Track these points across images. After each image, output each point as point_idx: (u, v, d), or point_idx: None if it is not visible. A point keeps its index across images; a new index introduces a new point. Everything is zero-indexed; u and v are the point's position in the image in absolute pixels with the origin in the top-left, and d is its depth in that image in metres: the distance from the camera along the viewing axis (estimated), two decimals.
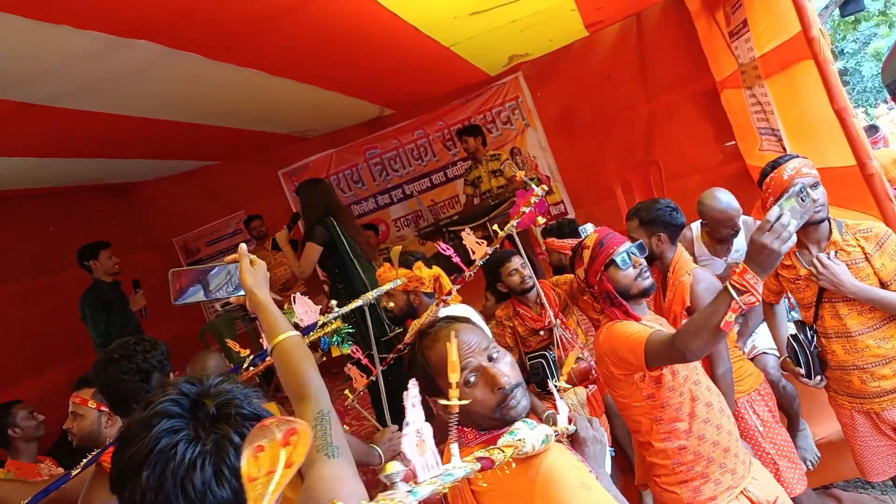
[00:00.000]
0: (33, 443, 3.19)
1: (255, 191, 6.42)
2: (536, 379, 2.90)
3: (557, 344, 2.77)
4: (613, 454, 1.96)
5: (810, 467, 2.89)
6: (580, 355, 2.80)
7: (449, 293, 2.35)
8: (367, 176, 6.46)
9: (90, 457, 1.83)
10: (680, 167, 5.53)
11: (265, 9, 2.69)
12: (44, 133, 3.45)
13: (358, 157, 6.42)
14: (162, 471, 0.82)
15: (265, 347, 2.21)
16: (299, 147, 6.31)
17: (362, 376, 2.53)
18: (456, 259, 2.39)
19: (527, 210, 2.28)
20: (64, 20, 2.21)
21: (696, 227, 3.24)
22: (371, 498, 0.81)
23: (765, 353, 2.91)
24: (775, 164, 2.24)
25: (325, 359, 2.65)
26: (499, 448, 1.07)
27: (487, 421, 1.30)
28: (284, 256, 4.44)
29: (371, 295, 2.13)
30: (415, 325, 2.53)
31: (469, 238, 2.34)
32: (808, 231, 2.26)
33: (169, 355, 2.00)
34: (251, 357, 1.99)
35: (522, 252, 2.62)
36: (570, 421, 1.43)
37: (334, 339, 2.33)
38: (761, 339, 3.01)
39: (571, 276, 3.05)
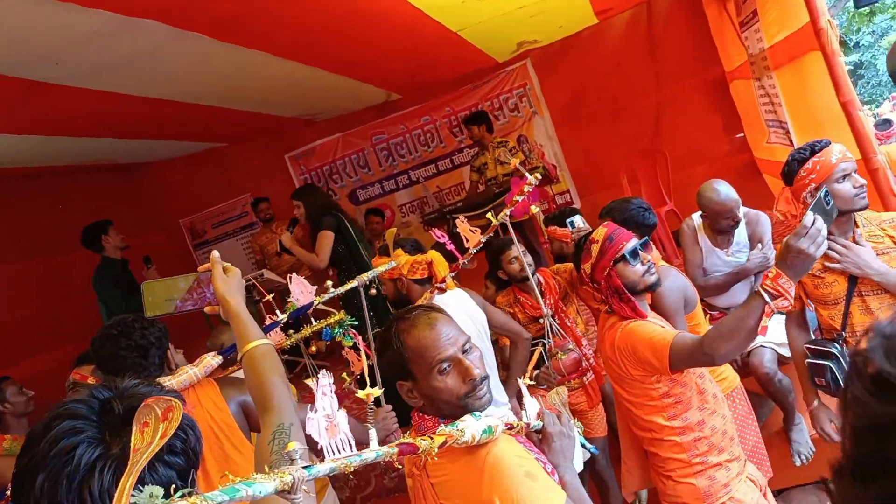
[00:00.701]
0: (24, 418, 3.23)
1: (262, 173, 6.44)
2: (538, 365, 2.92)
3: (548, 334, 2.78)
4: (597, 452, 1.99)
5: (805, 461, 2.90)
6: (570, 346, 2.81)
7: (443, 280, 2.35)
8: (373, 161, 6.47)
9: None
10: (687, 157, 5.51)
11: None
12: (52, 112, 3.47)
13: (365, 141, 6.43)
14: (57, 475, 0.75)
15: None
16: (306, 130, 6.32)
17: (359, 360, 2.55)
18: (450, 247, 2.39)
19: (520, 199, 2.26)
20: None
21: (697, 217, 3.24)
22: None
23: (761, 346, 2.91)
24: (813, 150, 2.12)
25: (328, 343, 2.69)
26: (429, 436, 1.11)
27: (452, 408, 1.37)
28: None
29: (366, 276, 2.14)
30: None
31: (463, 226, 2.35)
32: (840, 221, 2.13)
33: (167, 333, 2.04)
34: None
35: (515, 240, 2.61)
36: (539, 416, 1.49)
37: (336, 330, 2.34)
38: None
39: (569, 265, 3.06)
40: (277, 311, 2.08)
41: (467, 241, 2.34)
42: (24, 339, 4.64)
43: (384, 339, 1.46)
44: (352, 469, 0.90)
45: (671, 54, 5.66)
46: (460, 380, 1.36)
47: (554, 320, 2.86)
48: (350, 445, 0.92)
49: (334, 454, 0.90)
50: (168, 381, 1.93)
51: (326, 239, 4.23)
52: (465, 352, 1.39)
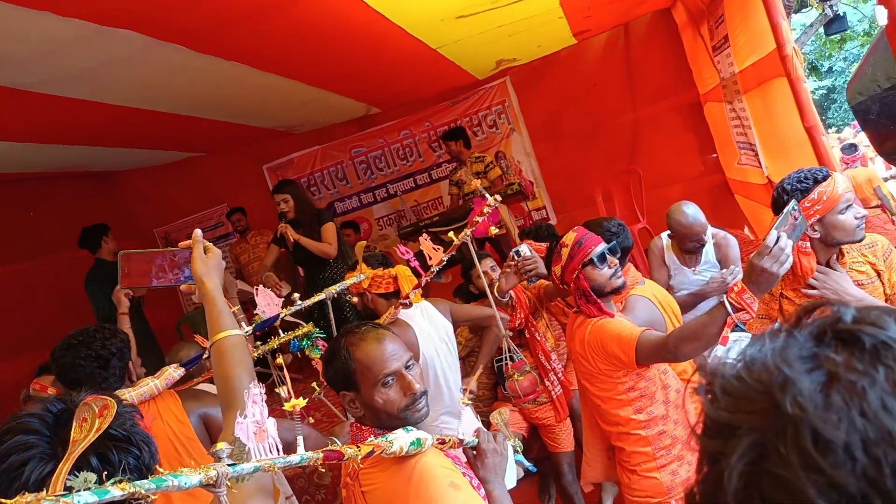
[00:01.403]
0: None
1: (239, 184, 6.42)
2: (501, 382, 2.95)
3: (506, 355, 2.81)
4: (535, 471, 2.12)
5: None
6: (526, 367, 2.84)
7: (406, 297, 2.36)
8: (351, 174, 6.48)
9: None
10: (662, 177, 5.60)
11: (252, 4, 2.72)
12: (25, 118, 3.44)
13: (343, 154, 6.44)
14: (6, 491, 0.74)
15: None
16: (284, 142, 6.32)
17: None
18: (414, 263, 2.41)
19: (480, 220, 2.29)
20: (46, 7, 2.22)
21: (665, 237, 3.30)
22: None
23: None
24: (814, 179, 1.95)
25: (297, 355, 2.69)
26: (356, 445, 1.18)
27: (391, 420, 1.46)
28: (263, 251, 4.50)
29: (334, 289, 2.15)
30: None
31: (426, 244, 2.37)
32: (829, 250, 2.02)
33: (128, 344, 2.02)
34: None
35: (476, 260, 2.63)
36: (475, 434, 1.59)
37: (304, 342, 2.34)
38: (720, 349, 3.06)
39: (541, 281, 3.09)
40: (243, 323, 2.08)
41: (430, 258, 2.35)
42: None
43: (333, 351, 1.52)
44: (276, 469, 0.94)
45: (647, 76, 5.77)
46: (402, 393, 1.46)
47: (524, 336, 2.88)
48: (277, 449, 0.95)
49: (261, 457, 0.93)
50: (128, 393, 1.91)
51: (333, 230, 4.38)
52: (407, 368, 1.49)
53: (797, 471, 0.37)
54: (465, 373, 2.89)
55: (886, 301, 2.05)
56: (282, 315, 1.99)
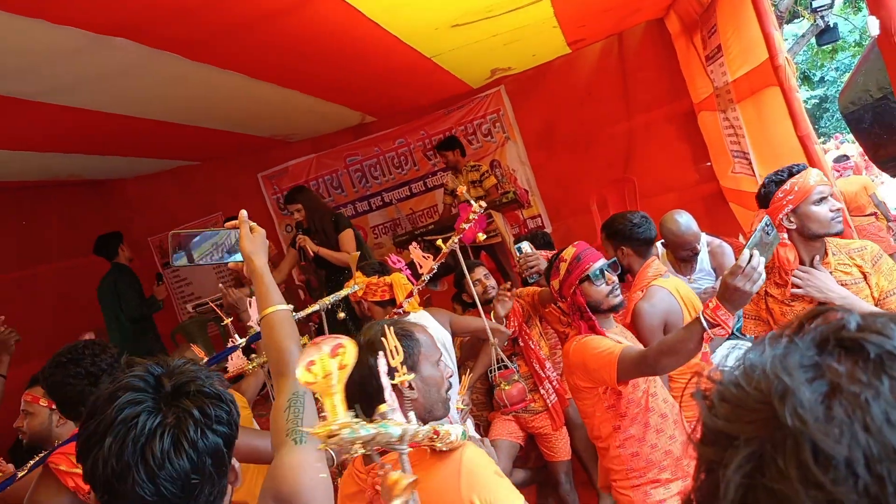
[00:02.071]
0: None
1: (234, 193, 6.40)
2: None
3: (493, 364, 2.81)
4: None
5: None
6: (514, 377, 2.84)
7: (400, 306, 2.36)
8: (346, 182, 6.48)
9: (37, 458, 1.82)
10: (656, 185, 5.62)
11: (247, 13, 2.72)
12: (20, 127, 3.44)
13: (338, 163, 6.45)
14: (123, 438, 0.86)
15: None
16: (280, 151, 6.31)
17: None
18: (406, 272, 2.41)
19: (466, 227, 2.29)
20: (40, 15, 2.22)
21: (659, 245, 3.31)
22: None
23: None
24: (791, 172, 2.08)
25: None
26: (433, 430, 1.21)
27: (424, 414, 1.47)
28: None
29: (328, 300, 2.14)
30: None
31: (415, 252, 2.37)
32: (812, 245, 2.08)
33: (119, 359, 2.01)
34: (211, 358, 2.00)
35: (465, 269, 2.63)
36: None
37: None
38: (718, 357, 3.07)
39: (534, 288, 3.09)
40: (236, 335, 2.08)
41: (420, 266, 2.36)
42: None
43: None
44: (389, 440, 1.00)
45: (641, 85, 5.80)
46: (437, 389, 1.50)
47: (517, 344, 2.88)
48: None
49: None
50: None
51: (351, 236, 4.39)
52: (438, 363, 1.54)
53: (796, 486, 0.36)
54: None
55: (875, 305, 2.05)
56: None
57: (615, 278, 2.15)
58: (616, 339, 2.09)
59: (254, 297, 2.09)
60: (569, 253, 2.17)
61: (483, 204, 2.34)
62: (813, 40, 8.84)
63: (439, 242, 2.35)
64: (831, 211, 2.01)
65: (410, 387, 1.47)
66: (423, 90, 5.43)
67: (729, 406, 0.42)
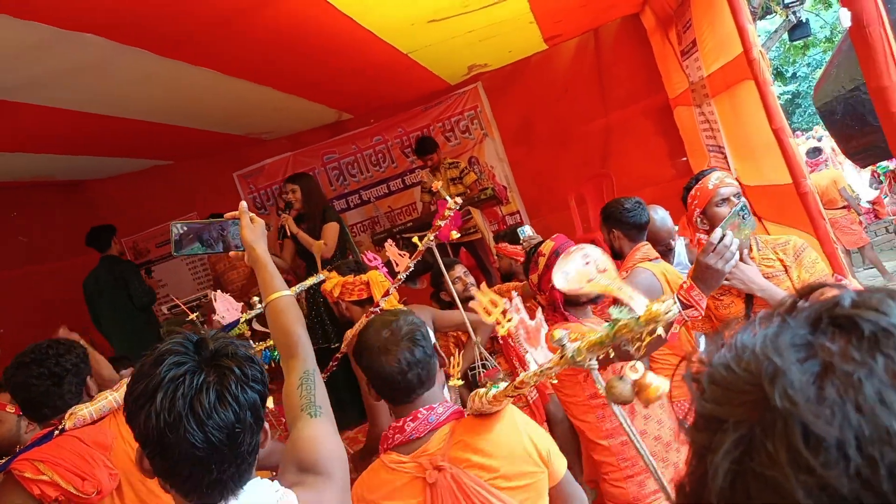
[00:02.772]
0: None
1: (209, 192, 6.31)
2: (475, 388, 2.94)
3: (478, 364, 2.81)
4: None
5: None
6: (500, 376, 2.84)
7: (377, 304, 2.34)
8: (324, 180, 6.42)
9: (4, 461, 1.77)
10: (634, 181, 5.64)
11: (219, 8, 2.68)
12: None
13: (315, 161, 6.39)
14: (174, 393, 0.95)
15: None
16: (255, 149, 6.24)
17: None
18: (382, 270, 2.39)
19: (442, 224, 2.27)
20: (4, 10, 2.16)
21: None
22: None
23: None
24: (699, 177, 2.28)
25: (273, 365, 2.64)
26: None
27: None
28: (239, 260, 4.57)
29: (294, 290, 2.11)
30: (348, 334, 2.51)
31: (391, 249, 2.35)
32: None
33: (86, 359, 1.96)
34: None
35: (443, 268, 2.61)
36: None
37: (276, 353, 2.30)
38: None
39: (514, 284, 3.09)
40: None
41: (396, 264, 2.33)
42: None
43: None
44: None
45: (618, 80, 5.83)
46: None
47: (496, 342, 2.87)
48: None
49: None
50: (85, 409, 1.83)
51: (334, 229, 4.37)
52: None
53: (785, 470, 0.34)
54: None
55: None
56: (242, 319, 1.95)
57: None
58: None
59: (218, 293, 2.06)
60: (547, 247, 2.18)
61: (458, 201, 2.32)
62: (785, 36, 8.97)
63: (415, 239, 2.33)
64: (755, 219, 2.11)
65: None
66: (400, 87, 5.40)
67: (719, 389, 0.40)
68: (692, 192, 2.26)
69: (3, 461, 1.75)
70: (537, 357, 1.26)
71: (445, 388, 1.68)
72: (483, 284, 2.85)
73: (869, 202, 8.06)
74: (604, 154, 5.97)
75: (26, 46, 2.51)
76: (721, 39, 3.38)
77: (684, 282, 1.71)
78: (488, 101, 6.13)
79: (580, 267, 1.23)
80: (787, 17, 8.22)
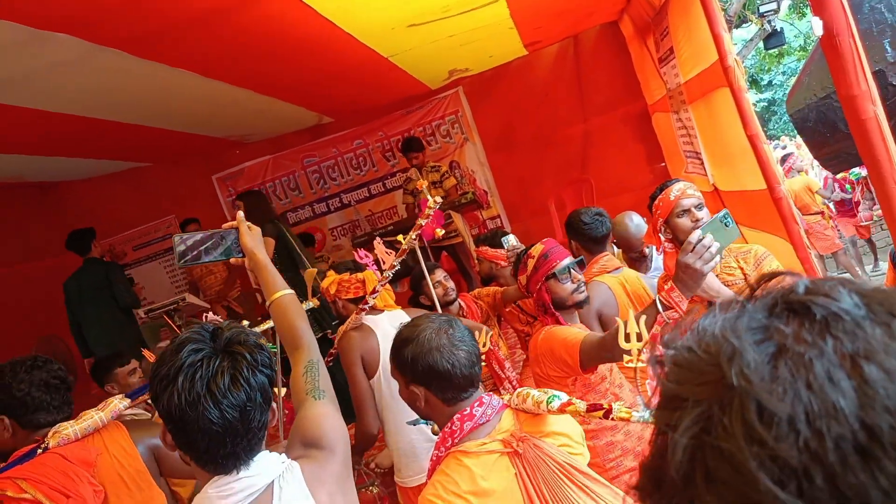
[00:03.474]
0: None
1: (188, 195, 6.26)
2: None
3: None
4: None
5: None
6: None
7: (366, 302, 2.35)
8: (304, 184, 6.40)
9: None
10: (613, 186, 5.70)
11: (196, 9, 2.66)
12: None
13: (295, 164, 6.36)
14: (193, 376, 1.09)
15: None
16: (235, 152, 6.20)
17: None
18: (372, 267, 2.40)
19: (424, 222, 2.29)
20: None
21: (614, 245, 3.36)
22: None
23: None
24: (662, 188, 2.31)
25: None
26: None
27: None
28: (216, 264, 4.67)
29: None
30: (340, 331, 2.52)
31: (379, 247, 2.36)
32: None
33: (75, 372, 1.94)
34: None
35: (423, 265, 2.62)
36: None
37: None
38: None
39: (494, 288, 3.09)
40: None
41: (383, 262, 2.34)
42: None
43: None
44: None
45: (597, 87, 5.88)
46: None
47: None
48: None
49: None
50: (71, 428, 1.80)
51: (268, 245, 4.47)
52: None
53: (740, 443, 0.36)
54: None
55: None
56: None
57: (581, 276, 2.20)
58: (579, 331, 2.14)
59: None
60: (537, 250, 2.22)
61: (439, 199, 2.33)
62: (761, 44, 9.11)
63: (399, 237, 2.34)
64: (692, 221, 2.15)
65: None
66: (381, 90, 5.40)
67: (680, 370, 0.42)
68: (655, 201, 2.29)
69: None
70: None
71: None
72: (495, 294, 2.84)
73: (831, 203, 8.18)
74: (583, 159, 6.01)
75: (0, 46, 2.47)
76: (697, 47, 3.43)
77: (665, 283, 1.72)
78: (469, 106, 6.15)
79: None
80: (763, 25, 8.36)
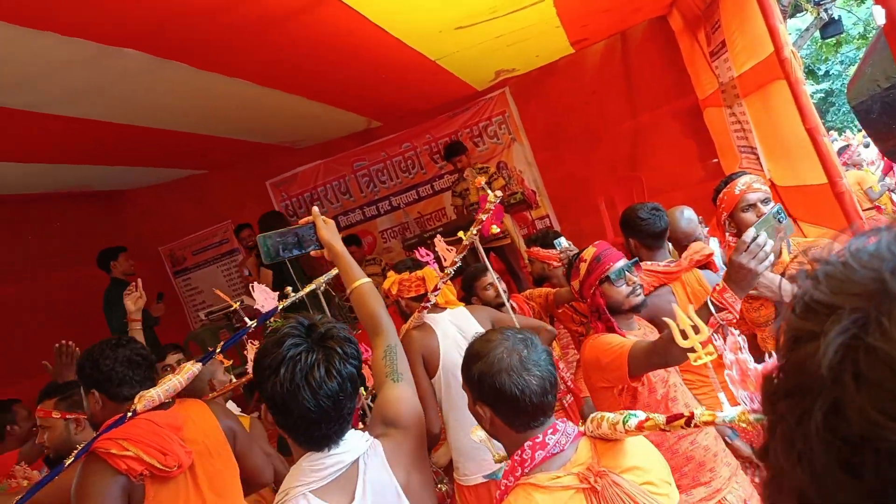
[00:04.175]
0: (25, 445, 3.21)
1: (243, 200, 6.43)
2: None
3: None
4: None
5: None
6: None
7: (427, 300, 2.37)
8: (354, 187, 6.50)
9: (81, 447, 1.89)
10: (663, 183, 5.59)
11: (251, 20, 2.74)
12: (31, 139, 3.47)
13: (346, 168, 6.47)
14: (293, 368, 1.21)
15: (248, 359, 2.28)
16: (287, 158, 6.34)
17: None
18: (433, 265, 2.42)
19: (484, 217, 2.29)
20: (50, 27, 2.25)
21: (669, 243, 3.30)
22: None
23: None
24: (727, 181, 2.25)
25: None
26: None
27: None
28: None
29: (322, 279, 2.17)
30: (402, 329, 2.52)
31: (440, 244, 2.38)
32: None
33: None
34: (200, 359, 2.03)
35: (489, 266, 2.62)
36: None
37: None
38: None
39: (546, 289, 3.08)
40: (246, 319, 2.13)
41: (444, 259, 2.36)
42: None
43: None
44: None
45: (646, 83, 5.79)
46: None
47: None
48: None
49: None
50: (154, 391, 1.92)
51: (264, 276, 4.82)
52: None
53: None
54: None
55: None
56: (279, 308, 2.01)
57: (636, 279, 2.11)
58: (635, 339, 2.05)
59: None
60: (589, 253, 2.15)
61: (499, 194, 2.32)
62: (817, 34, 8.82)
63: (460, 234, 2.35)
64: (757, 217, 2.07)
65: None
66: (428, 93, 5.45)
67: (835, 280, 0.43)
68: (720, 195, 2.25)
69: (86, 443, 1.87)
70: (742, 399, 1.19)
71: None
72: None
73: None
74: (633, 156, 5.93)
75: (69, 61, 2.61)
76: (751, 39, 3.35)
77: (717, 284, 1.66)
78: (516, 106, 6.14)
79: None
80: (819, 14, 8.09)
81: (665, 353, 1.76)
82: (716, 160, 5.62)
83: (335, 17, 2.92)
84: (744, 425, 1.19)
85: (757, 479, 2.19)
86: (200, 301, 6.61)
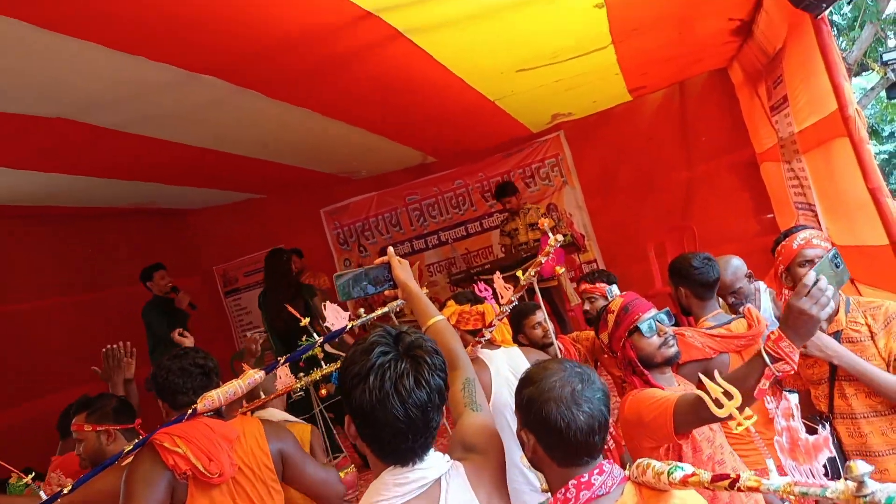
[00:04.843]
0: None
1: (297, 226, 6.62)
2: None
3: None
4: None
5: None
6: None
7: (482, 335, 2.37)
8: (405, 220, 6.62)
9: (143, 437, 1.99)
10: (716, 235, 5.53)
11: (325, 55, 2.89)
12: (112, 156, 3.68)
13: (398, 201, 6.60)
14: (383, 376, 1.19)
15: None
16: (343, 187, 6.52)
17: None
18: (491, 301, 2.44)
19: (543, 259, 2.28)
20: (141, 51, 2.42)
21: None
22: None
23: None
24: (787, 234, 2.21)
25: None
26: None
27: None
28: None
29: (395, 304, 2.20)
30: None
31: (499, 282, 2.39)
32: None
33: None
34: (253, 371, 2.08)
35: (541, 305, 2.63)
36: None
37: None
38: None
39: (593, 333, 3.06)
40: (315, 333, 2.17)
41: (501, 297, 2.37)
42: (56, 373, 4.77)
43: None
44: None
45: (703, 133, 5.78)
46: None
47: None
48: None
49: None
50: (215, 392, 1.98)
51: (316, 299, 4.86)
52: None
53: None
54: None
55: (887, 368, 2.02)
56: (349, 326, 2.05)
57: (668, 329, 2.00)
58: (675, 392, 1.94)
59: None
60: (616, 304, 2.07)
61: (560, 237, 2.33)
62: (882, 94, 8.65)
63: (518, 273, 2.35)
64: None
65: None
66: (484, 132, 5.56)
67: None
68: (779, 247, 2.20)
69: (148, 435, 1.98)
70: (790, 469, 1.13)
71: None
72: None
73: None
74: (686, 206, 5.89)
75: (156, 85, 2.78)
76: (814, 96, 3.33)
77: (772, 332, 1.53)
78: (570, 150, 6.19)
79: None
80: (885, 74, 7.95)
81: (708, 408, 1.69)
82: (771, 215, 5.53)
83: (404, 55, 3.04)
84: (792, 498, 1.11)
85: None
86: (248, 322, 6.77)
